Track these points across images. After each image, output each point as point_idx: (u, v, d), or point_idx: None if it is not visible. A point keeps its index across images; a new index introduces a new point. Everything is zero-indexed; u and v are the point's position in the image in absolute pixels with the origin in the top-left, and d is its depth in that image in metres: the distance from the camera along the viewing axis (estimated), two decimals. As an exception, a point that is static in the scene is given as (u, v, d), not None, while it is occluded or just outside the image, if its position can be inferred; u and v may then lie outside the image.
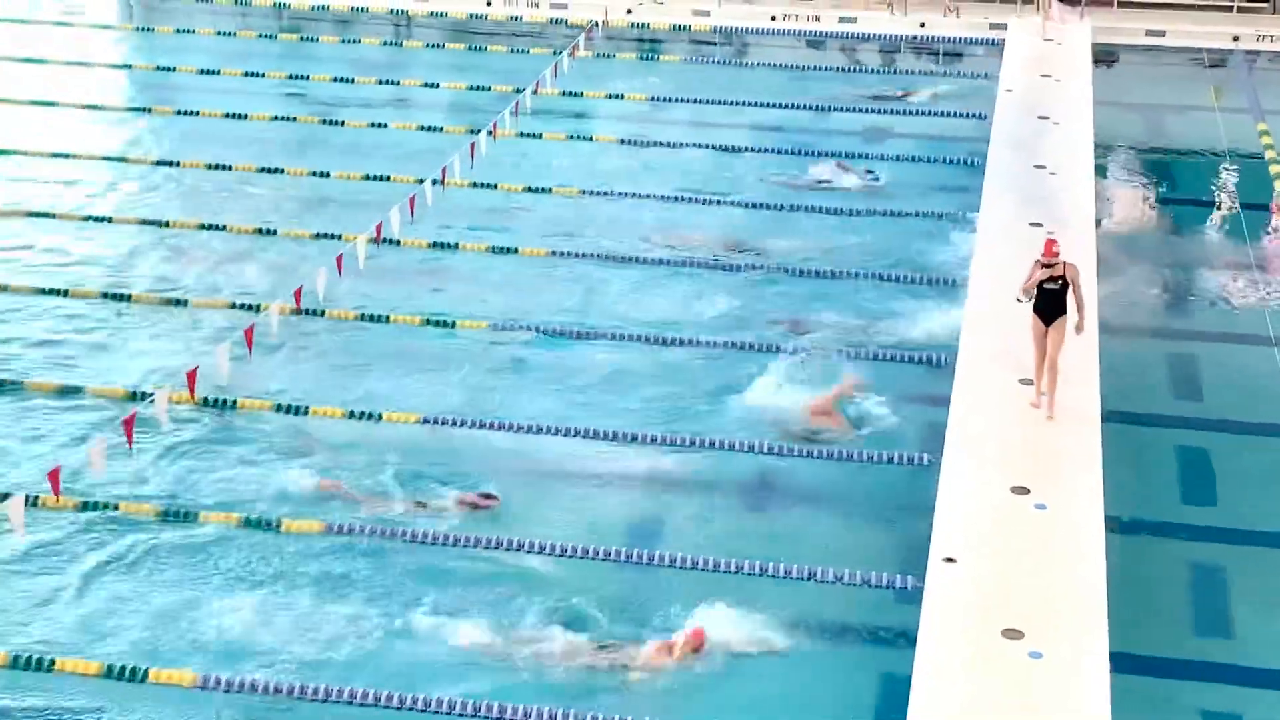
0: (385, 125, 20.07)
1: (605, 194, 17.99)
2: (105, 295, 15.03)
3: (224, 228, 16.64)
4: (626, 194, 17.95)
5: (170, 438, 12.43)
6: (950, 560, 10.25)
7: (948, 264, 15.80)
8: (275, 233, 16.55)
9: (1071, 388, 11.84)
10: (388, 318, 14.67)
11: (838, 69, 23.51)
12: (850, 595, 10.65)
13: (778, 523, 11.93)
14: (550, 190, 17.99)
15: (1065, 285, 11.84)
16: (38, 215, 16.79)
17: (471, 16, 25.21)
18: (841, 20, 24.63)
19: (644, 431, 12.76)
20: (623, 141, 19.74)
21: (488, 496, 11.88)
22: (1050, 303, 11.82)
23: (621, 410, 13.20)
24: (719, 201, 17.80)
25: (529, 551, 11.06)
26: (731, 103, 21.24)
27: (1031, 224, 15.01)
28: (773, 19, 24.80)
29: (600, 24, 23.58)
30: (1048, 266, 11.82)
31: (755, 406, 13.25)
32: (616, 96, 21.55)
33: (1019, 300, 12.19)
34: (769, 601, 10.53)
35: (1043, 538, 10.55)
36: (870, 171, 18.54)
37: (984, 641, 9.45)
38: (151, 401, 11.52)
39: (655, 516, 11.91)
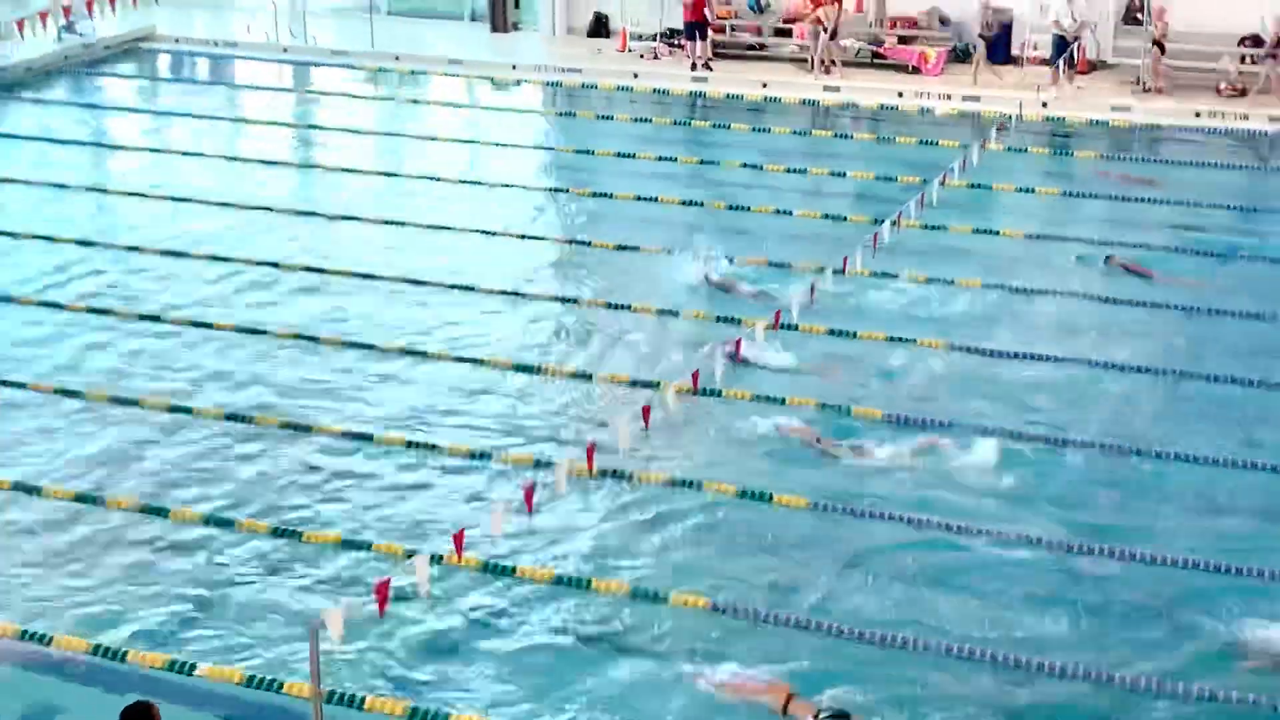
0: (790, 213, 20.27)
1: (1010, 289, 17.62)
2: (516, 367, 15.65)
3: (629, 307, 17.10)
4: (1032, 290, 17.55)
5: (572, 507, 12.83)
6: None
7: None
8: (677, 314, 16.89)
9: None
10: (784, 400, 14.73)
11: (1267, 168, 22.44)
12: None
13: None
14: (953, 282, 17.75)
15: None
16: (460, 288, 17.66)
17: (881, 107, 25.28)
18: (1272, 119, 23.54)
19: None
20: (1031, 236, 19.33)
21: None
22: None
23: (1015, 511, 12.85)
24: (1133, 303, 17.19)
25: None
26: (1150, 200, 20.55)
27: None
28: (1197, 115, 23.92)
29: (1014, 117, 23.24)
30: None
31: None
32: (1027, 190, 21.15)
33: None
34: None
35: None
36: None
37: None
38: (552, 470, 11.88)
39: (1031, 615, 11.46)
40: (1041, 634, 11.28)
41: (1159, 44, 25.09)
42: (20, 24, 21.81)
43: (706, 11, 27.13)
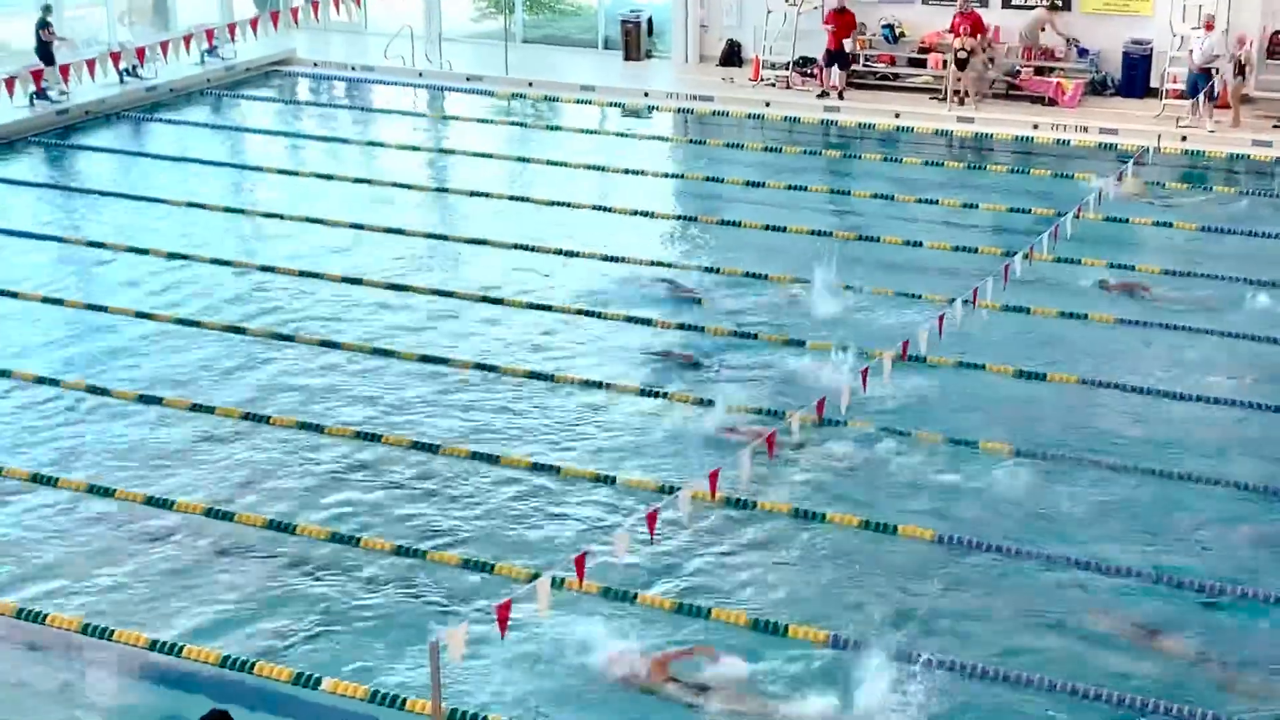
0: (920, 244, 20.09)
1: (1144, 324, 17.30)
2: (641, 392, 15.66)
3: (755, 336, 17.05)
4: (1167, 325, 17.21)
5: (695, 534, 12.79)
6: None
7: None
8: (804, 344, 16.79)
9: None
10: (910, 433, 14.58)
11: None
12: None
13: None
14: (1086, 316, 17.47)
15: None
16: (587, 313, 17.73)
17: (1016, 139, 25.00)
18: None
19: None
20: (1167, 273, 18.93)
21: None
22: None
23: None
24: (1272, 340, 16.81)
25: None
26: (1284, 236, 20.12)
27: None
28: (1342, 150, 23.37)
29: (1152, 150, 22.84)
30: None
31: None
32: (1164, 225, 20.76)
33: None
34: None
35: None
36: None
37: None
38: (675, 497, 11.84)
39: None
40: (1166, 676, 11.03)
41: (1240, 70, 24.56)
42: (165, 46, 22.37)
43: (846, 42, 27.05)
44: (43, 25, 26.49)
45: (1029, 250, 16.59)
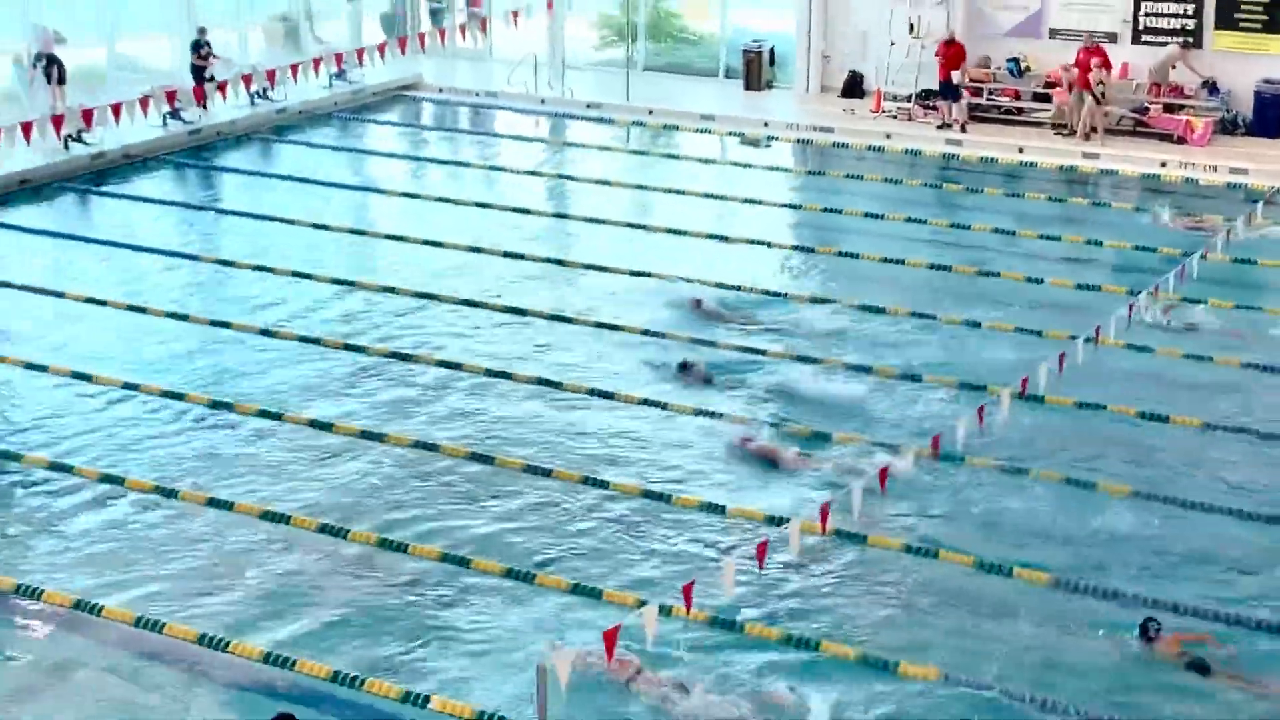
0: (1042, 280, 19.82)
1: (1270, 369, 16.91)
2: (771, 423, 15.54)
3: (871, 370, 16.91)
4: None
5: (804, 566, 12.70)
6: None
7: None
8: (919, 379, 16.62)
9: None
10: (1028, 471, 14.37)
11: None
12: None
13: None
14: (1211, 359, 17.12)
15: None
16: (701, 343, 17.69)
17: (1144, 176, 24.63)
18: None
19: None
20: (1300, 315, 18.54)
21: None
22: None
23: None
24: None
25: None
26: None
27: None
28: None
29: (1283, 191, 22.40)
30: None
31: None
32: (1293, 268, 20.33)
33: None
34: None
35: None
36: None
37: None
38: (785, 528, 11.77)
39: None
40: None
41: None
42: (295, 69, 22.85)
43: (955, 74, 26.85)
44: (198, 46, 27.09)
45: (1154, 289, 16.30)
